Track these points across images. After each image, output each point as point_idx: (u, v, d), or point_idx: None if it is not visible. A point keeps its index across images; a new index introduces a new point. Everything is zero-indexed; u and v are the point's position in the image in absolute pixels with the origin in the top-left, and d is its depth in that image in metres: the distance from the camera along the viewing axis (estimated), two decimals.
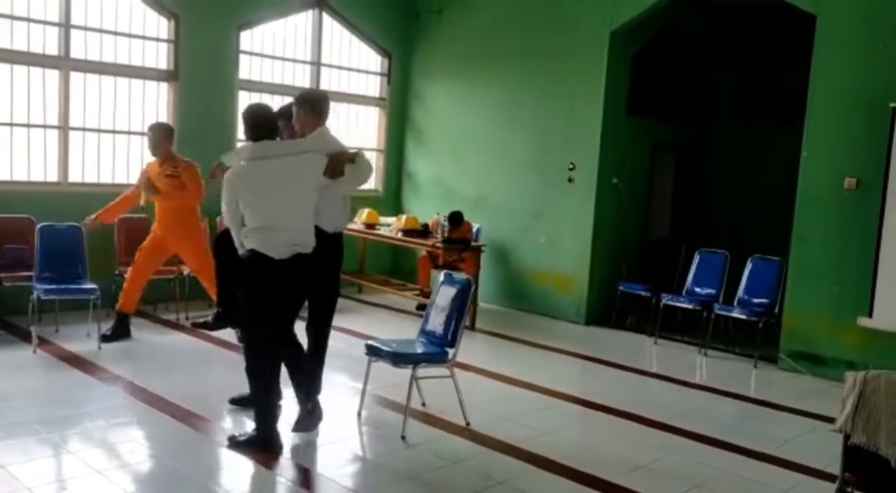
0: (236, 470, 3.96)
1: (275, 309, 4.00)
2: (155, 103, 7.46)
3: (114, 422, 4.41)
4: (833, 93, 6.34)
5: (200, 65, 7.60)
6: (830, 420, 3.84)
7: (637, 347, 7.20)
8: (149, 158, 6.28)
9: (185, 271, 6.71)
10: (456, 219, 7.72)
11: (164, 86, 7.49)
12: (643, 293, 7.65)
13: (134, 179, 6.58)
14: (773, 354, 6.68)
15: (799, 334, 6.52)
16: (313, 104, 4.27)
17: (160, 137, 6.08)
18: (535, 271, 8.31)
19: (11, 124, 6.71)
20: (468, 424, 4.64)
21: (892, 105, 5.89)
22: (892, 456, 3.32)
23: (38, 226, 6.15)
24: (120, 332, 6.13)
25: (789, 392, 5.95)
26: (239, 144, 7.37)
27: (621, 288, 7.82)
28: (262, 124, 4.04)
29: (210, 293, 6.17)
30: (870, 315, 6.00)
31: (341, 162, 4.07)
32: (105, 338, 5.95)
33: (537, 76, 8.20)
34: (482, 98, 8.76)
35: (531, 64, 8.25)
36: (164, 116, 7.41)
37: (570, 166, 7.92)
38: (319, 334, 4.51)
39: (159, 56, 7.47)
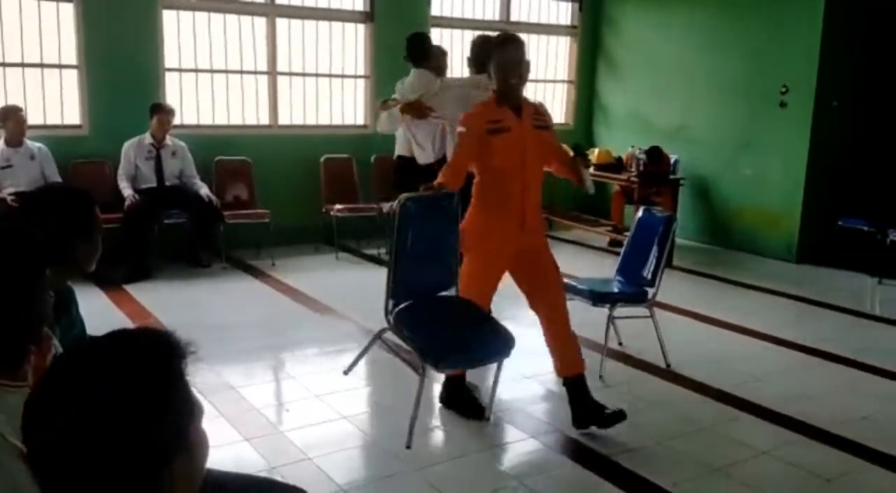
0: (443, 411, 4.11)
1: None
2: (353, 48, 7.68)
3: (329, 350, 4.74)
4: None
5: (391, 4, 7.68)
6: None
7: (857, 288, 6.54)
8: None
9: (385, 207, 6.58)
10: (655, 154, 7.33)
11: (360, 29, 7.70)
12: (865, 228, 6.92)
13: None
14: None
15: None
16: None
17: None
18: (739, 205, 7.77)
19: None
20: (669, 366, 4.48)
21: None
22: None
23: None
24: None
25: None
26: None
27: (840, 223, 7.11)
28: None
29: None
30: None
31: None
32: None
33: None
34: (683, 22, 8.16)
35: None
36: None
37: (783, 89, 7.23)
38: None
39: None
